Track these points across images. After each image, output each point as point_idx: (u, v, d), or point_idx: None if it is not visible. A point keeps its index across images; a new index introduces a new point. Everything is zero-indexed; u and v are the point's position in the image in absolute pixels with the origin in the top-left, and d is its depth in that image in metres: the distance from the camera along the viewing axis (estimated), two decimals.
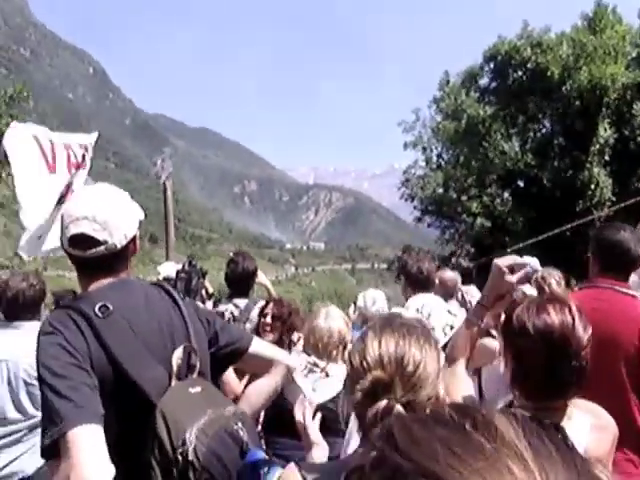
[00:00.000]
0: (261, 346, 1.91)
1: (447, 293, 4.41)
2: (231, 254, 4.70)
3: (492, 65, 19.67)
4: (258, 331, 3.58)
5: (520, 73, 19.13)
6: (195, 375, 1.60)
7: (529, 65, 18.33)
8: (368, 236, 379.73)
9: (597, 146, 17.73)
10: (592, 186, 17.60)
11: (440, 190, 22.24)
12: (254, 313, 4.17)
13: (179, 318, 1.66)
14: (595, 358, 2.49)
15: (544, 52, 18.02)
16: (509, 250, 11.38)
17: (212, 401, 1.54)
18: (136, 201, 1.78)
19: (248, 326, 4.14)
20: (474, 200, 20.52)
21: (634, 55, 18.26)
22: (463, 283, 5.16)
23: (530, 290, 5.18)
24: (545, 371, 1.49)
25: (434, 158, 22.38)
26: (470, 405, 0.48)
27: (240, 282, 4.27)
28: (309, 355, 3.08)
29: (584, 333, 1.51)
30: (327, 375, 2.88)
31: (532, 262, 5.55)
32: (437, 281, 4.71)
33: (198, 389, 1.55)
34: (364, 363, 1.21)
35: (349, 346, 3.07)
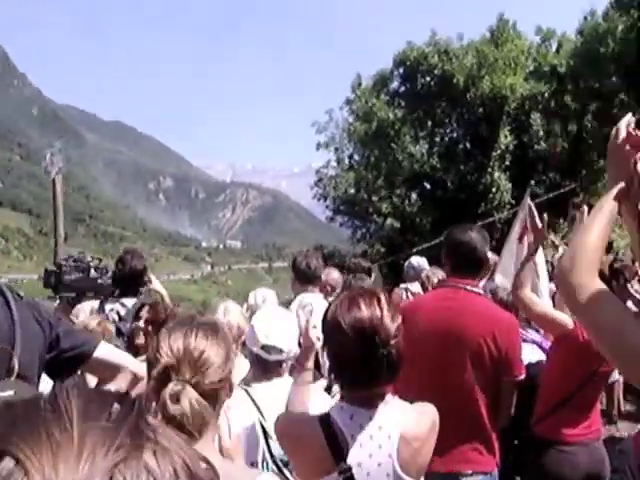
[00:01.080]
0: (108, 352, 1.88)
1: (331, 292, 4.61)
2: (121, 252, 4.65)
3: (401, 70, 20.24)
4: (131, 335, 3.53)
5: (428, 79, 19.80)
6: (13, 378, 1.55)
7: (436, 72, 19.03)
8: (285, 235, 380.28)
9: (498, 152, 18.69)
10: (493, 189, 18.52)
11: (352, 190, 22.65)
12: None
13: (7, 319, 1.61)
14: (443, 353, 2.66)
15: (450, 60, 18.78)
16: (415, 250, 11.77)
17: None
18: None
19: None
20: (384, 201, 21.08)
21: (531, 69, 19.39)
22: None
23: (416, 288, 5.45)
24: (358, 362, 1.57)
25: (346, 159, 22.76)
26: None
27: (128, 281, 4.24)
28: None
29: (392, 323, 1.60)
30: None
31: (419, 262, 5.78)
32: (324, 279, 4.86)
33: (8, 393, 1.51)
34: (157, 355, 1.38)
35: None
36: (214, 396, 1.38)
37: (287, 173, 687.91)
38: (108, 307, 4.19)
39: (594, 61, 18.33)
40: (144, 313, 3.50)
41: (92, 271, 4.92)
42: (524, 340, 3.21)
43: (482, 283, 4.89)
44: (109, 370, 1.86)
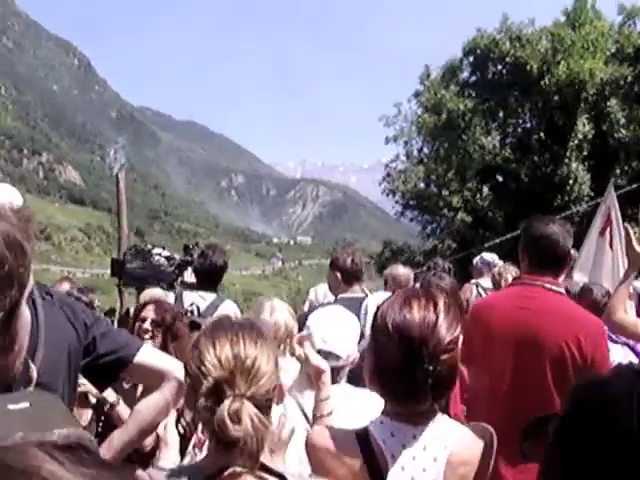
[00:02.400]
0: (152, 356, 1.72)
1: (400, 289, 4.41)
2: (202, 246, 4.73)
3: (471, 59, 19.56)
4: None
5: (499, 67, 19.07)
6: (31, 387, 1.39)
7: (508, 59, 18.27)
8: (355, 230, 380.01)
9: (576, 141, 17.75)
10: (570, 181, 17.62)
11: (421, 184, 22.22)
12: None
13: (31, 319, 1.45)
14: (520, 358, 2.41)
15: (523, 46, 17.96)
16: (486, 245, 11.37)
17: (35, 422, 1.27)
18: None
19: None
20: (455, 195, 20.51)
21: (613, 51, 18.29)
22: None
23: (487, 284, 5.16)
24: (399, 372, 1.38)
25: (415, 152, 22.32)
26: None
27: (208, 275, 4.28)
28: None
29: (447, 333, 1.38)
30: None
31: (490, 257, 5.49)
32: (390, 277, 4.67)
33: (23, 405, 1.28)
34: (202, 368, 1.21)
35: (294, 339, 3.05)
36: (267, 407, 1.24)
37: (356, 168, 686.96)
38: (187, 300, 4.23)
39: None
40: (149, 313, 3.10)
41: (154, 258, 4.99)
42: (614, 341, 2.92)
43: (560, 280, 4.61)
44: (153, 377, 1.70)
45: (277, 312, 2.97)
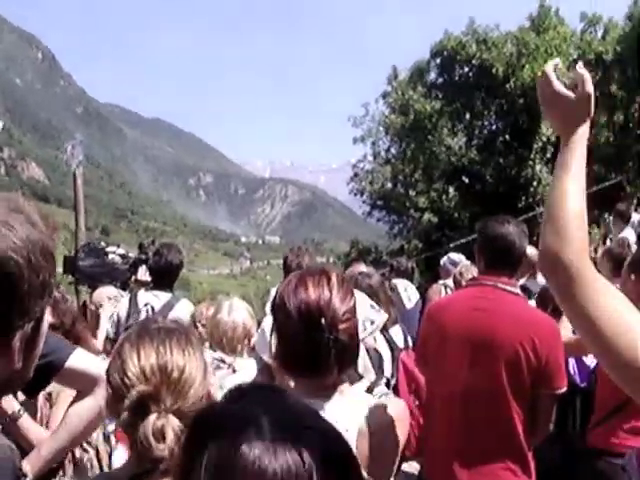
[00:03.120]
0: (84, 361, 1.64)
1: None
2: (156, 245, 4.63)
3: (439, 61, 19.73)
4: None
5: (466, 69, 19.24)
6: None
7: (474, 61, 18.46)
8: (323, 230, 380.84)
9: (539, 144, 18.07)
10: (534, 183, 17.94)
11: (388, 185, 22.31)
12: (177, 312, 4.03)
13: None
14: (473, 360, 2.38)
15: (489, 49, 18.18)
16: (452, 245, 11.47)
17: None
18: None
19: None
20: (421, 195, 20.67)
21: (575, 57, 18.65)
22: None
23: (451, 284, 5.17)
24: (303, 346, 1.40)
25: (382, 153, 22.41)
26: None
27: (163, 274, 4.18)
28: (214, 351, 2.98)
29: (342, 305, 1.42)
30: (234, 371, 2.79)
31: (457, 257, 5.49)
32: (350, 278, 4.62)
33: None
34: (125, 380, 1.13)
35: (253, 339, 2.98)
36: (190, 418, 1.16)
37: (325, 168, 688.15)
38: (142, 301, 4.13)
39: None
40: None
41: (108, 256, 4.89)
42: None
43: (522, 281, 4.62)
44: (85, 382, 1.62)
45: (235, 311, 2.93)
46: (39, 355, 1.50)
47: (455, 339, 2.36)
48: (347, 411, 1.44)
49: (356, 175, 23.27)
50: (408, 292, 5.32)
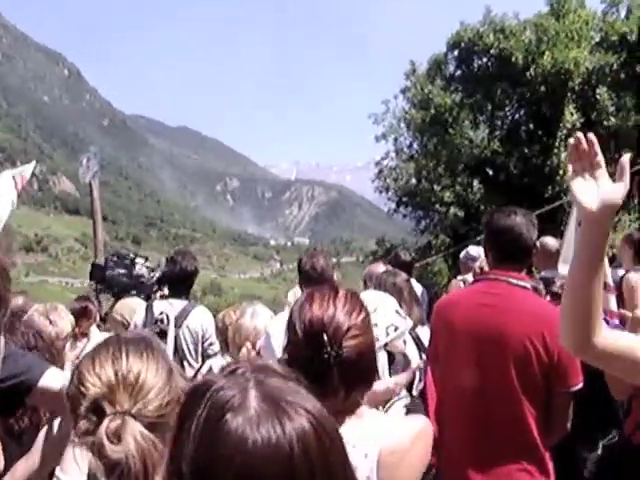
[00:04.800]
0: (58, 380, 1.56)
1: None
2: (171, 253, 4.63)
3: (456, 53, 19.49)
4: None
5: (485, 60, 18.97)
6: None
7: (493, 51, 18.18)
8: (352, 229, 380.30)
9: (564, 131, 17.67)
10: (560, 172, 17.55)
11: (413, 181, 22.10)
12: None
13: None
14: (482, 357, 2.29)
15: (507, 38, 17.88)
16: (478, 239, 11.30)
17: None
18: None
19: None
20: (446, 190, 20.42)
21: (597, 40, 18.23)
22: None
23: (470, 279, 5.05)
24: (305, 363, 1.33)
25: (405, 149, 22.23)
26: None
27: (178, 281, 4.17)
28: (234, 358, 2.96)
29: (346, 318, 1.38)
30: None
31: (475, 251, 5.36)
32: (368, 277, 4.55)
33: None
34: (81, 388, 1.10)
35: (258, 343, 2.94)
36: (162, 424, 1.09)
37: (351, 167, 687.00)
38: (157, 310, 4.12)
39: None
40: None
41: (135, 267, 4.91)
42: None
43: (542, 274, 4.49)
44: (60, 402, 1.49)
45: (257, 317, 2.91)
46: (12, 374, 1.48)
47: (463, 336, 2.28)
48: (365, 435, 1.38)
49: (380, 172, 23.11)
50: None
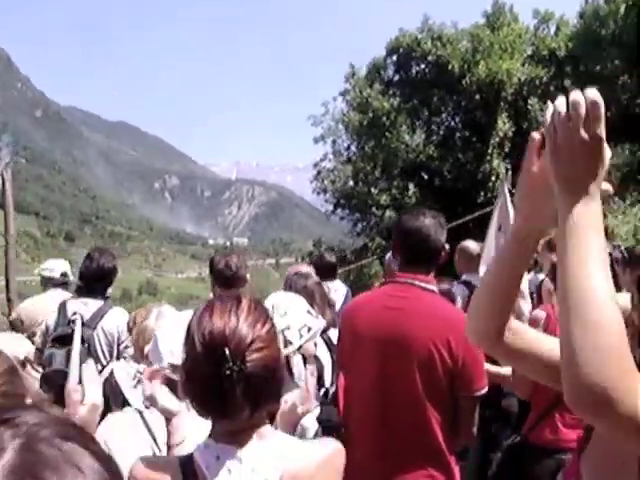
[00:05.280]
0: None
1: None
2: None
3: (395, 58, 19.82)
4: None
5: (422, 66, 19.41)
6: None
7: (430, 58, 18.61)
8: (291, 230, 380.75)
9: (497, 139, 18.24)
10: (493, 178, 18.09)
11: (350, 183, 22.27)
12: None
13: None
14: (386, 363, 2.22)
15: (444, 46, 18.35)
16: None
17: None
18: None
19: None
20: (383, 193, 20.67)
21: (529, 53, 18.93)
22: (327, 278, 4.97)
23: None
24: (206, 380, 1.23)
25: (343, 151, 22.39)
26: None
27: (94, 279, 3.96)
28: (139, 363, 2.80)
29: (249, 331, 1.26)
30: None
31: None
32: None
33: None
34: None
35: (146, 348, 2.82)
36: None
37: (292, 168, 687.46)
38: (71, 310, 3.89)
39: (594, 44, 17.89)
40: None
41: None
42: None
43: (464, 277, 4.53)
44: None
45: (163, 319, 2.77)
46: None
47: (367, 339, 2.22)
48: (266, 457, 1.28)
49: (319, 174, 23.18)
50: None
